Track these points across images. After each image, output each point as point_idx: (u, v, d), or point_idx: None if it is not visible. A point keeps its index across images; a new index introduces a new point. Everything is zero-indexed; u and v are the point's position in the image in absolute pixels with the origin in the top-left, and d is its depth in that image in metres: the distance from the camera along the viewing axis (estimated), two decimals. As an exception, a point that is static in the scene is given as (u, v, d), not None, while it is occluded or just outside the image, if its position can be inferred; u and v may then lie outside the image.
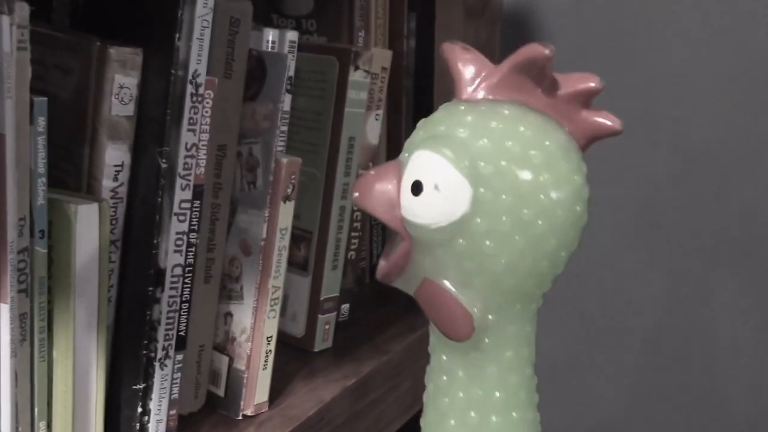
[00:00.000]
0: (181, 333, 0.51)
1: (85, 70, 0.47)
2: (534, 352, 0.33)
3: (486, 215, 0.28)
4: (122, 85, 0.47)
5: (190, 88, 0.48)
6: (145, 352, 0.49)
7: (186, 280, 0.50)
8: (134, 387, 0.50)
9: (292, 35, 0.62)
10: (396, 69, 0.72)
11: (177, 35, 0.47)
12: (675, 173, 0.78)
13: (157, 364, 0.50)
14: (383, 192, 0.29)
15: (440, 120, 0.29)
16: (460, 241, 0.29)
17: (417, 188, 0.29)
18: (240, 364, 0.57)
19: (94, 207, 0.46)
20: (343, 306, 0.71)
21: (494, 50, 0.76)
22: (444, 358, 0.32)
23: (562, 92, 0.29)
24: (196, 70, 0.48)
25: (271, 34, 0.61)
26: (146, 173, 0.49)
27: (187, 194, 0.49)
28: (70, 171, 0.49)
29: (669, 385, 0.81)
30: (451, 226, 0.29)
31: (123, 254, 0.50)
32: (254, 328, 0.56)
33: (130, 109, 0.48)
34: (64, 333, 0.46)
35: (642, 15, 0.77)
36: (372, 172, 0.31)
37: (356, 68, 0.64)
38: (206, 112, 0.50)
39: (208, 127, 0.50)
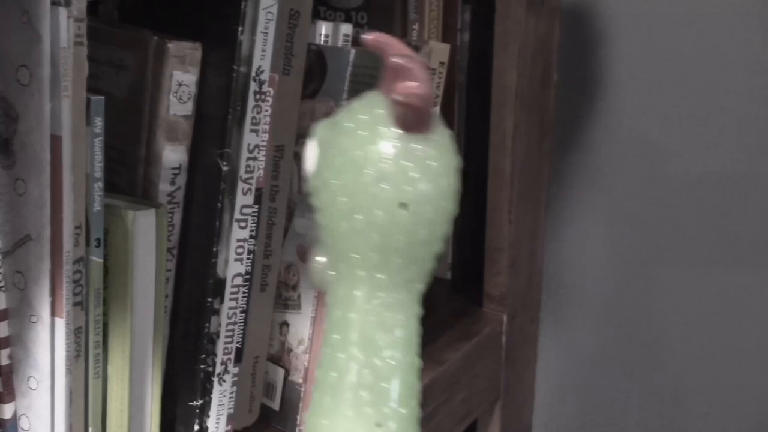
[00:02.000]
0: (239, 345, 0.48)
1: (141, 66, 0.44)
2: (367, 318, 0.36)
3: (320, 172, 0.35)
4: (181, 83, 0.44)
5: (253, 86, 0.45)
6: (202, 366, 0.46)
7: (245, 290, 0.47)
8: (191, 403, 0.47)
9: (346, 28, 0.59)
10: (448, 64, 0.68)
11: (240, 29, 0.44)
12: (743, 171, 0.74)
13: (215, 380, 0.47)
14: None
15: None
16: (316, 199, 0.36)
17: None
18: (297, 377, 0.54)
19: (151, 213, 0.43)
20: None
21: (554, 41, 0.73)
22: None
23: (387, 67, 0.33)
24: (259, 67, 0.45)
25: (324, 27, 0.58)
26: (205, 176, 0.46)
27: (249, 199, 0.46)
28: (123, 174, 0.46)
29: None
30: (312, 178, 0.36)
31: (179, 263, 0.47)
32: (313, 339, 0.53)
33: (188, 108, 0.45)
34: (119, 347, 0.43)
35: (708, 4, 0.73)
36: None
37: (415, 63, 0.61)
38: (267, 111, 0.46)
39: (268, 127, 0.47)
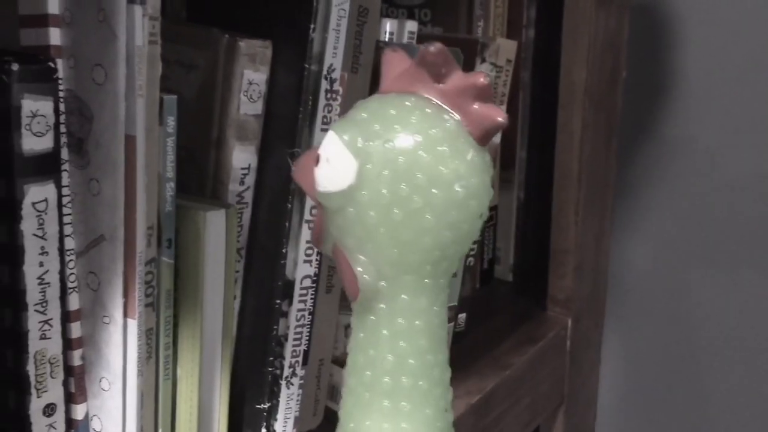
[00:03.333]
0: (306, 348, 0.47)
1: (211, 65, 0.44)
2: (435, 324, 0.35)
3: (369, 188, 0.32)
4: (251, 81, 0.44)
5: (324, 84, 0.44)
6: (270, 369, 0.46)
7: (312, 292, 0.47)
8: (258, 406, 0.46)
9: (411, 25, 0.58)
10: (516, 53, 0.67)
11: (312, 26, 0.43)
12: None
13: (283, 383, 0.46)
14: (305, 165, 0.34)
15: (359, 106, 0.34)
16: (351, 209, 0.33)
17: (317, 161, 0.34)
18: (362, 380, 0.53)
19: (221, 214, 0.42)
20: (459, 316, 0.66)
21: (623, 38, 0.71)
22: (353, 320, 0.36)
23: (454, 86, 0.32)
24: (331, 65, 0.44)
25: (389, 24, 0.57)
26: (274, 177, 0.45)
27: (318, 200, 0.45)
28: (192, 173, 0.46)
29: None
30: (340, 194, 0.33)
31: (247, 263, 0.46)
32: (378, 342, 0.52)
33: (258, 108, 0.44)
34: (189, 349, 0.43)
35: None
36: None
37: (483, 60, 0.59)
38: (337, 110, 0.45)
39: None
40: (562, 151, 0.69)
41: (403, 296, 0.34)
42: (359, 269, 0.33)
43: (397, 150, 0.32)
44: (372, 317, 0.35)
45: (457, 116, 0.32)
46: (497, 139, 0.64)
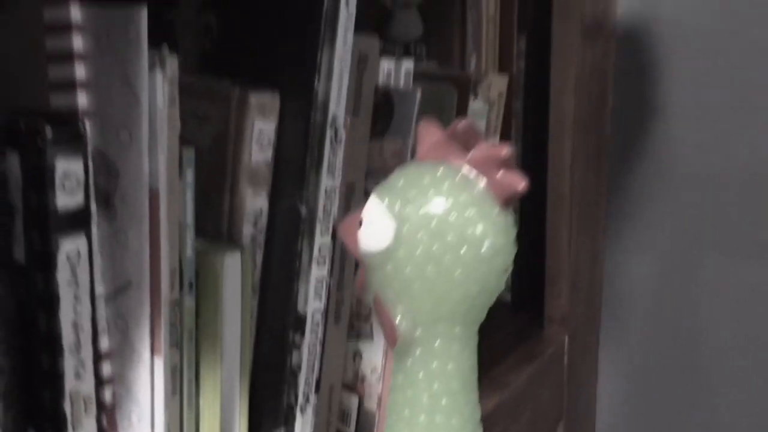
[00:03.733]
0: (317, 377, 0.50)
1: (224, 117, 0.47)
2: (466, 368, 0.39)
3: (406, 247, 0.37)
4: (261, 131, 0.47)
5: (329, 133, 0.47)
6: (285, 398, 0.49)
7: (323, 324, 0.50)
8: (275, 433, 0.49)
9: (408, 64, 0.61)
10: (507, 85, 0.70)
11: (316, 78, 0.46)
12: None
13: (297, 410, 0.49)
14: (349, 226, 0.39)
15: (397, 173, 0.39)
16: (389, 266, 0.37)
17: (360, 223, 0.38)
18: (371, 404, 0.56)
19: (237, 256, 0.46)
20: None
21: (609, 67, 0.74)
22: (393, 364, 0.40)
23: (481, 156, 0.36)
24: (335, 114, 0.47)
25: (386, 64, 0.60)
26: (284, 218, 0.48)
27: (326, 239, 0.48)
28: (208, 216, 0.49)
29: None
30: (381, 253, 0.37)
31: (260, 299, 0.49)
32: (385, 367, 0.55)
33: (268, 155, 0.48)
34: (210, 382, 0.46)
35: (761, 29, 0.74)
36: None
37: (475, 96, 0.63)
38: (341, 154, 0.49)
39: (341, 169, 0.49)
40: (554, 176, 0.73)
41: (437, 342, 0.38)
42: (398, 318, 0.38)
43: (431, 214, 0.36)
44: (409, 361, 0.39)
45: (483, 182, 0.36)
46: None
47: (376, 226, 0.37)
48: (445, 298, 0.36)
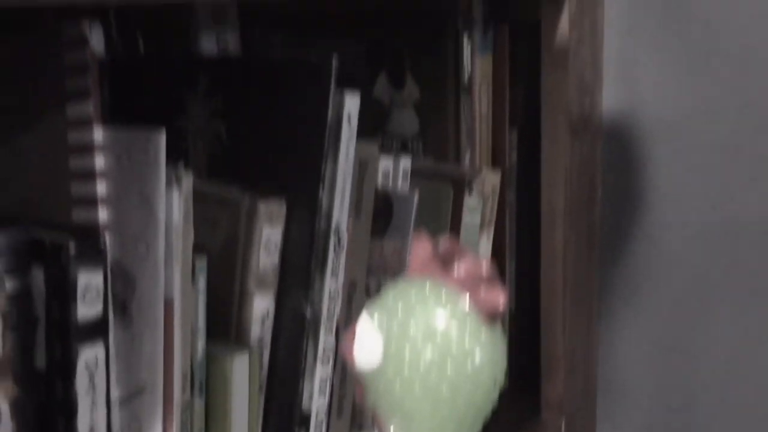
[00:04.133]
0: (321, 471, 0.52)
1: (234, 223, 0.50)
2: None
3: (394, 364, 0.38)
4: (269, 237, 0.50)
5: (333, 239, 0.50)
6: (291, 494, 0.50)
7: (327, 420, 0.52)
8: None
9: (406, 162, 0.64)
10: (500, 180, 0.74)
11: (321, 187, 0.49)
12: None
13: (302, 506, 0.51)
14: (348, 343, 0.40)
15: (388, 290, 0.40)
16: (381, 384, 0.39)
17: (353, 341, 0.40)
18: (372, 496, 0.57)
19: (245, 357, 0.48)
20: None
21: (597, 160, 0.78)
22: None
23: (465, 273, 0.38)
24: (338, 221, 0.50)
25: (384, 162, 0.64)
26: (290, 319, 0.50)
27: (331, 339, 0.51)
28: (217, 317, 0.51)
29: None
30: (372, 372, 0.39)
31: (267, 397, 0.51)
32: (387, 460, 0.57)
33: (275, 259, 0.50)
34: (218, 481, 0.48)
35: (745, 125, 0.77)
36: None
37: (470, 193, 0.66)
38: (343, 257, 0.51)
39: (344, 271, 0.52)
40: (547, 265, 0.75)
41: None
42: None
43: (416, 331, 0.37)
44: None
45: (467, 299, 0.38)
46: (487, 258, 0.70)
47: (366, 343, 0.38)
48: (435, 415, 0.38)
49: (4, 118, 0.46)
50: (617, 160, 0.81)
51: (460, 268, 0.38)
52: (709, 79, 0.77)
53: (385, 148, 0.76)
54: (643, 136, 0.80)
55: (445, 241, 0.40)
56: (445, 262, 0.39)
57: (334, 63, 0.48)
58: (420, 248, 0.40)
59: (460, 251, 0.39)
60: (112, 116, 0.56)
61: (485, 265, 0.38)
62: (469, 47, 0.72)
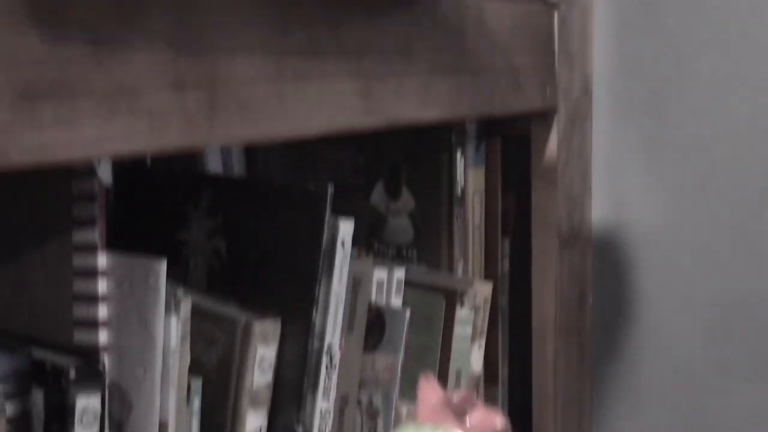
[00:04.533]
0: None
1: (229, 342, 0.52)
2: None
3: None
4: (263, 356, 0.51)
5: (325, 359, 0.51)
6: None
7: None
8: None
9: (399, 273, 0.66)
10: (492, 290, 0.75)
11: (314, 309, 0.51)
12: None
13: None
14: None
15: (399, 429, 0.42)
16: None
17: None
18: None
19: (237, 476, 0.49)
20: None
21: (587, 270, 0.80)
22: None
23: (477, 424, 0.40)
24: (331, 342, 0.52)
25: (378, 273, 0.65)
26: (282, 437, 0.51)
27: (321, 457, 0.52)
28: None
29: None
30: None
31: None
32: None
33: (269, 377, 0.52)
34: None
35: (728, 233, 0.80)
36: None
37: (462, 305, 0.68)
38: (335, 377, 0.53)
39: (336, 387, 0.53)
40: (538, 375, 0.76)
41: None
42: None
43: None
44: None
45: None
46: (478, 369, 0.71)
47: None
48: None
49: (12, 240, 0.49)
50: (607, 268, 0.83)
51: (472, 419, 0.40)
52: (693, 190, 0.79)
53: (380, 255, 0.78)
54: (632, 245, 0.83)
55: (460, 392, 0.41)
56: (457, 412, 0.40)
57: (330, 191, 0.51)
58: (429, 393, 0.41)
59: (472, 402, 0.41)
60: (117, 224, 0.58)
61: (499, 419, 0.40)
62: (463, 161, 0.75)
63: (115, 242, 0.48)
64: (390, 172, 0.78)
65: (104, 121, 0.31)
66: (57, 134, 0.30)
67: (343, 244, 0.51)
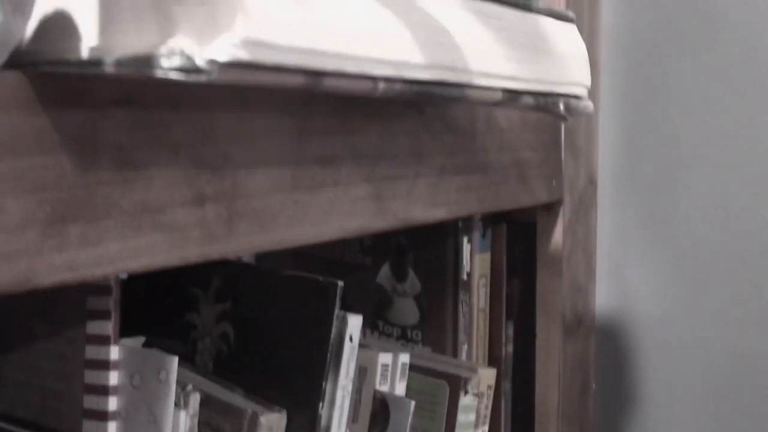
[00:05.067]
0: None
1: (235, 433, 0.52)
2: None
3: None
4: (268, 450, 0.52)
5: (330, 455, 0.52)
6: None
7: None
8: None
9: (404, 357, 0.67)
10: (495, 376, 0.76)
11: (320, 403, 0.52)
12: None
13: None
14: None
15: None
16: None
17: None
18: None
19: None
20: None
21: (589, 360, 0.80)
22: None
23: None
24: (336, 437, 0.52)
25: (383, 357, 0.66)
26: None
27: None
28: None
29: None
30: None
31: None
32: None
33: (272, 469, 0.52)
34: None
35: (731, 320, 0.80)
36: None
37: (465, 392, 0.68)
38: (340, 467, 0.53)
39: (339, 479, 0.53)
40: (541, 462, 0.76)
41: None
42: None
43: None
44: None
45: None
46: (481, 457, 0.71)
47: None
48: None
49: (26, 327, 0.49)
50: (610, 355, 0.84)
51: None
52: (696, 278, 0.80)
53: (384, 335, 0.79)
54: (635, 333, 0.83)
55: None
56: None
57: (339, 286, 0.52)
58: None
59: None
60: (126, 303, 0.59)
61: None
62: (469, 246, 0.76)
63: (124, 319, 0.49)
64: (397, 254, 0.79)
65: (128, 239, 0.33)
66: (83, 254, 0.31)
67: (351, 338, 0.52)
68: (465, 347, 0.78)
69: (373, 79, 0.30)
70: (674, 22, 0.78)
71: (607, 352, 0.83)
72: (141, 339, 0.65)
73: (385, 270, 0.80)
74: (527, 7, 0.42)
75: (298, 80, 0.26)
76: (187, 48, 0.23)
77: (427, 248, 0.77)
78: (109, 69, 0.25)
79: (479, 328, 0.79)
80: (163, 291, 0.63)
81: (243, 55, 0.23)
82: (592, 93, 0.76)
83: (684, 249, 0.81)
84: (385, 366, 0.66)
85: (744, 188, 0.77)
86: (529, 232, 0.79)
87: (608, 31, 0.80)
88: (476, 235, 0.76)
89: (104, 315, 0.46)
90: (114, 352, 0.46)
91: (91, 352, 0.46)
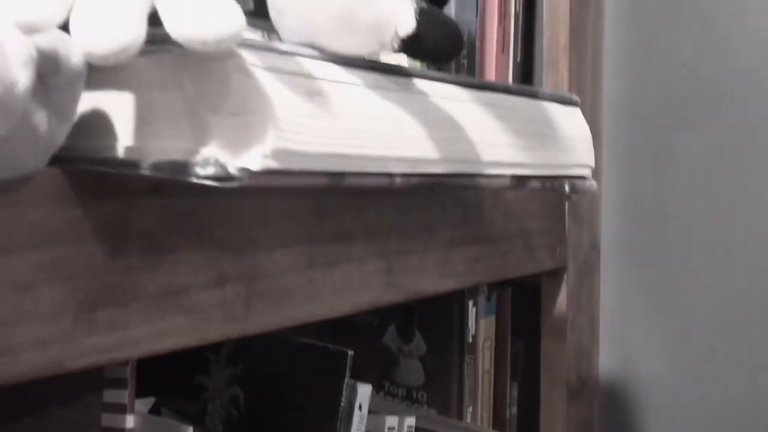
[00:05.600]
0: None
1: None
2: None
3: None
4: None
5: None
6: None
7: None
8: None
9: (410, 420, 0.68)
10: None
11: (331, 467, 0.52)
12: None
13: None
14: None
15: None
16: None
17: None
18: None
19: None
20: None
21: (593, 423, 0.80)
22: None
23: None
24: (344, 503, 0.53)
25: (389, 420, 0.67)
26: None
27: None
28: None
29: None
30: None
31: None
32: None
33: None
34: None
35: (736, 379, 0.81)
36: None
37: (471, 457, 0.68)
38: None
39: None
40: None
41: None
42: None
43: None
44: None
45: None
46: None
47: None
48: None
49: (42, 394, 0.51)
50: (614, 418, 0.84)
51: None
52: (699, 343, 0.81)
53: (390, 395, 0.80)
54: (638, 397, 0.84)
55: None
56: None
57: (350, 355, 0.53)
58: None
59: None
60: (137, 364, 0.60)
61: None
62: (474, 310, 0.77)
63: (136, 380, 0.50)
64: (403, 315, 0.80)
65: (153, 322, 0.34)
66: (111, 337, 0.32)
67: (360, 407, 0.53)
68: (470, 409, 0.78)
69: (391, 175, 0.31)
70: (675, 95, 0.81)
71: (611, 415, 0.84)
72: (151, 400, 0.66)
73: (391, 331, 0.81)
74: (534, 95, 0.44)
75: (322, 181, 0.28)
76: (221, 157, 0.25)
77: (433, 311, 0.78)
78: (145, 172, 0.27)
79: (484, 390, 0.80)
80: (175, 352, 0.64)
81: (273, 164, 0.25)
82: (596, 162, 0.78)
83: (685, 313, 0.82)
84: (391, 429, 0.66)
85: (743, 254, 0.78)
86: (534, 295, 0.81)
87: (611, 104, 0.83)
88: (481, 299, 0.78)
89: (121, 384, 0.47)
90: (129, 421, 0.47)
91: (107, 420, 0.47)
